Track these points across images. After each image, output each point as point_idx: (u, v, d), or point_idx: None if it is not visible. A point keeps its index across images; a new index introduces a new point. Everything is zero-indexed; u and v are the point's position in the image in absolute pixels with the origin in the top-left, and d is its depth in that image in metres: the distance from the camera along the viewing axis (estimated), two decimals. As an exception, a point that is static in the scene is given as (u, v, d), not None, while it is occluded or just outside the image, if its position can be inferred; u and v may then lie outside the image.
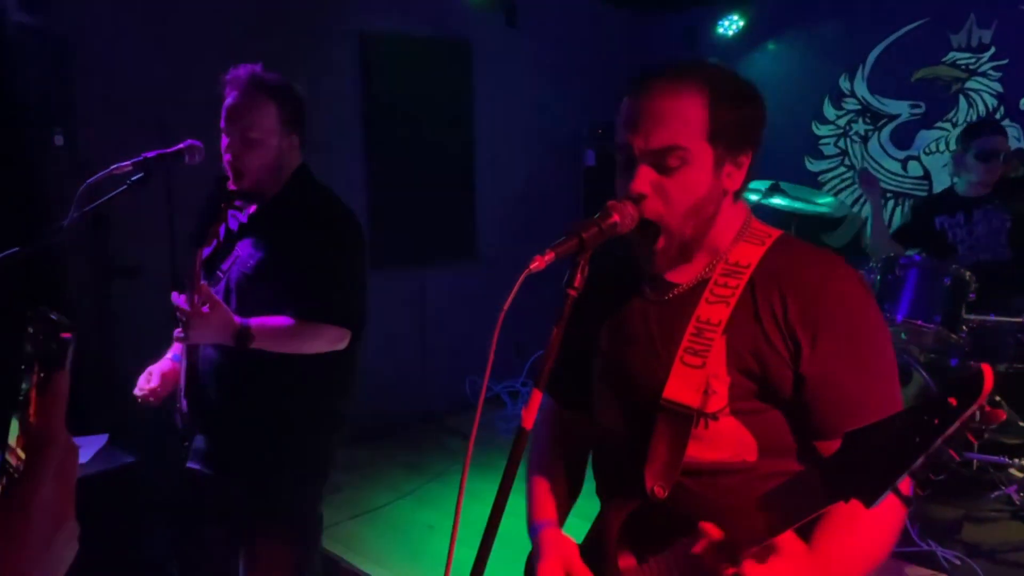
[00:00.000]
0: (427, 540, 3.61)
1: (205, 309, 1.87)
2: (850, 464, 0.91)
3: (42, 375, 0.69)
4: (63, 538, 0.70)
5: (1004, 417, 0.82)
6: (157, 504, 2.79)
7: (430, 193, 5.07)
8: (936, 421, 0.83)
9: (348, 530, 3.68)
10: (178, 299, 1.91)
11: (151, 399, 2.15)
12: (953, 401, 0.82)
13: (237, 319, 1.93)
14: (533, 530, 1.43)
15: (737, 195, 1.34)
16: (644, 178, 1.25)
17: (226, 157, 2.10)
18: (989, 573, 3.05)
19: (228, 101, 2.10)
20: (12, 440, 0.70)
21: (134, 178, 2.07)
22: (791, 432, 1.26)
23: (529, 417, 1.12)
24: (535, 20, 5.51)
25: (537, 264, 1.10)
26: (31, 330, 0.71)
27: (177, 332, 1.93)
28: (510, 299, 1.08)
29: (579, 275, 1.15)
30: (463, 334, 5.23)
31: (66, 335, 0.69)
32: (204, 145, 2.16)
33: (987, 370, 0.81)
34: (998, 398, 2.93)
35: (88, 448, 2.61)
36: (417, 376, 5.10)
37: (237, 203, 2.18)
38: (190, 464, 2.19)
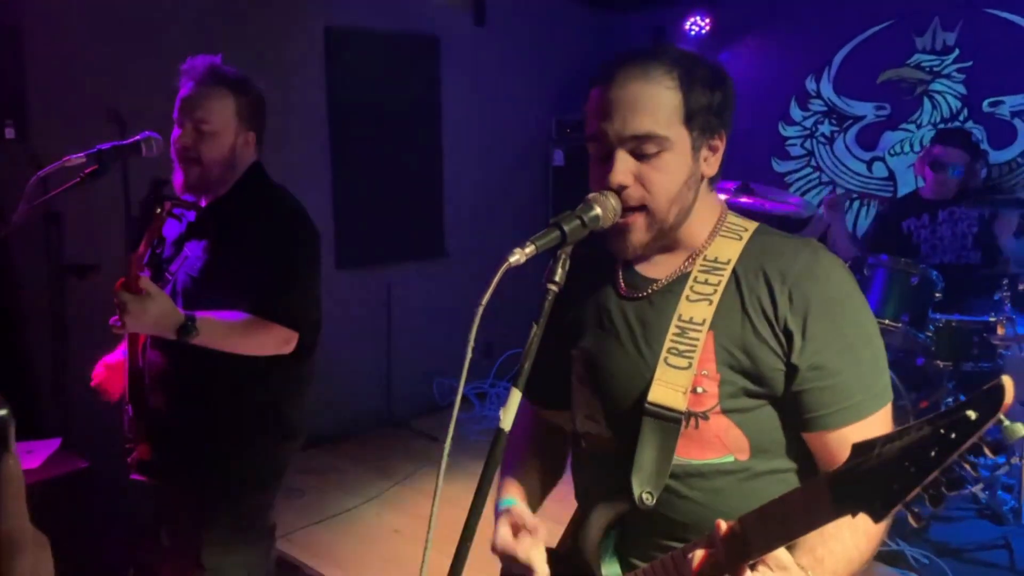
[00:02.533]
0: (394, 545, 3.54)
1: (142, 292, 1.77)
2: (860, 476, 0.87)
3: None
4: None
5: (1023, 434, 0.77)
6: (112, 509, 2.69)
7: (396, 191, 5.00)
8: (953, 435, 0.79)
9: (311, 535, 3.60)
10: (117, 285, 1.81)
11: (109, 388, 2.07)
12: (972, 414, 0.78)
13: (180, 310, 1.83)
14: (497, 511, 1.38)
15: (712, 181, 1.31)
16: (623, 166, 1.22)
17: (177, 147, 2.02)
18: (957, 572, 3.07)
19: (184, 91, 2.02)
20: None
21: (87, 171, 1.98)
22: (782, 428, 1.24)
23: (507, 417, 1.07)
24: (503, 18, 5.47)
25: (517, 258, 1.06)
26: None
27: (113, 320, 1.82)
28: (488, 294, 1.03)
29: (560, 269, 1.11)
30: (430, 334, 5.17)
31: (1, 412, 0.62)
32: (162, 137, 2.08)
33: (1007, 383, 0.77)
34: (963, 396, 2.94)
35: (40, 452, 2.51)
36: (383, 377, 5.02)
37: (176, 206, 2.09)
38: (133, 476, 2.10)
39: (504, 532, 1.29)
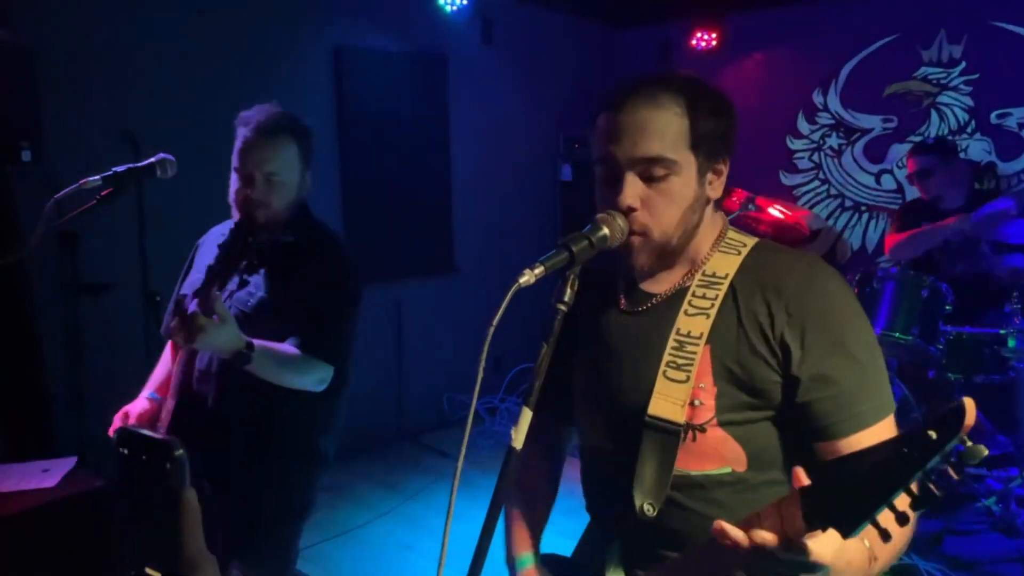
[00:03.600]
0: (404, 561, 3.55)
1: (215, 318, 1.80)
2: (829, 493, 0.91)
3: (170, 498, 0.71)
4: None
5: (986, 454, 0.79)
6: (128, 528, 2.71)
7: (406, 207, 5.03)
8: (915, 454, 0.81)
9: (323, 551, 3.61)
10: (192, 304, 1.85)
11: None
12: (933, 434, 0.80)
13: (243, 336, 1.87)
14: (511, 565, 1.45)
15: (717, 204, 1.35)
16: (632, 190, 1.25)
17: (246, 197, 2.02)
18: (971, 585, 3.06)
19: (246, 139, 2.02)
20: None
21: (103, 193, 2.01)
22: (779, 440, 1.25)
23: (519, 436, 1.09)
24: (511, 36, 5.51)
25: (527, 279, 1.08)
26: (132, 453, 0.72)
27: (186, 338, 1.83)
28: (499, 315, 1.05)
29: (569, 290, 1.14)
30: (440, 349, 5.19)
31: (178, 452, 0.71)
32: (176, 159, 2.12)
33: (969, 405, 0.79)
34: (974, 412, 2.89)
35: (56, 471, 2.52)
36: (393, 392, 5.04)
37: (224, 233, 2.13)
38: None
39: None
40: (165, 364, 2.33)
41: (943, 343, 3.59)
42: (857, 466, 0.87)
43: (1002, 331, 3.52)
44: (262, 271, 2.06)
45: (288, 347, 1.98)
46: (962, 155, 4.91)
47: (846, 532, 0.87)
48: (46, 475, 2.48)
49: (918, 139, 5.09)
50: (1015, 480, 3.53)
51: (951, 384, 3.75)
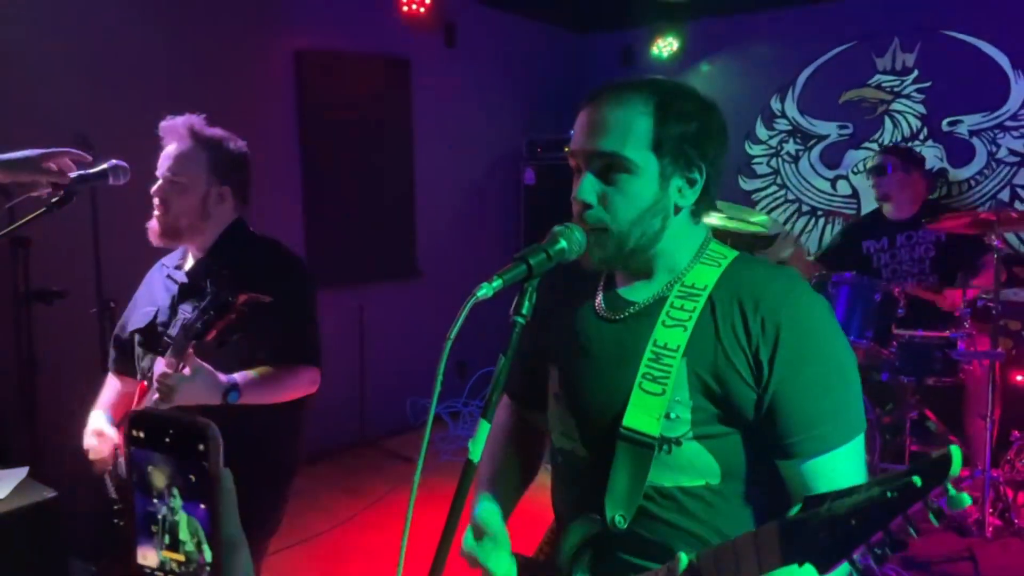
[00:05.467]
0: (367, 568, 3.53)
1: (186, 372, 1.79)
2: (809, 529, 0.91)
3: (205, 479, 0.71)
4: None
5: (969, 503, 0.81)
6: (80, 539, 2.66)
7: (368, 211, 5.01)
8: (898, 500, 0.82)
9: (284, 560, 3.56)
10: (159, 365, 1.82)
11: (106, 455, 2.10)
12: (918, 481, 0.81)
13: (222, 377, 1.86)
14: (472, 510, 1.44)
15: (695, 215, 1.33)
16: (589, 186, 1.26)
17: (155, 194, 2.09)
18: (923, 584, 3.12)
19: (164, 147, 2.10)
20: (185, 537, 0.73)
21: (53, 200, 1.98)
22: (753, 453, 1.25)
23: (476, 449, 1.09)
24: (474, 40, 5.52)
25: (484, 292, 1.08)
26: (151, 436, 0.73)
27: (155, 398, 1.83)
28: (456, 327, 1.05)
29: (527, 302, 1.14)
30: (403, 354, 5.17)
31: (213, 432, 0.72)
32: (133, 164, 2.09)
33: (956, 453, 0.80)
34: (927, 410, 2.97)
35: (7, 481, 2.47)
36: (355, 397, 5.01)
37: (168, 266, 2.19)
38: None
39: (469, 536, 1.37)
40: (113, 389, 2.30)
41: (896, 346, 3.67)
42: (838, 504, 0.88)
43: (952, 334, 3.62)
44: (200, 296, 2.04)
45: (266, 370, 1.99)
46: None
47: (824, 568, 0.88)
48: (-4, 486, 2.42)
49: (873, 145, 5.20)
50: (965, 480, 3.61)
51: (904, 386, 3.84)
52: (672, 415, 1.22)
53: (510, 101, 5.90)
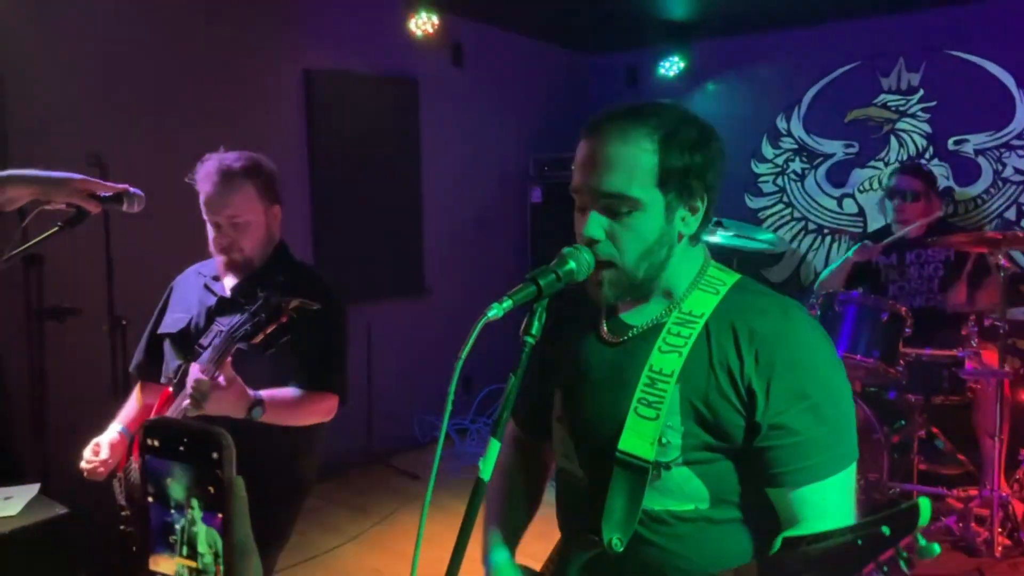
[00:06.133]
0: (374, 585, 3.53)
1: (221, 381, 1.81)
2: (785, 570, 0.93)
3: (219, 486, 0.73)
4: None
5: (938, 553, 0.82)
6: (91, 556, 2.67)
7: (376, 230, 5.04)
8: (867, 548, 0.84)
9: (292, 577, 3.57)
10: (195, 371, 1.84)
11: (100, 471, 2.10)
12: (886, 530, 0.83)
13: (251, 392, 1.89)
14: (486, 559, 1.46)
15: (694, 240, 1.35)
16: (596, 223, 1.27)
17: (219, 245, 2.14)
18: (932, 604, 3.10)
19: (206, 192, 2.12)
20: (204, 549, 0.74)
21: (67, 218, 2.01)
22: (739, 481, 1.26)
23: (487, 468, 1.10)
24: (481, 59, 5.57)
25: (494, 312, 1.10)
26: (165, 444, 0.74)
27: (185, 404, 1.85)
28: (466, 348, 1.07)
29: (536, 323, 1.16)
30: (410, 371, 5.19)
31: (227, 440, 0.73)
32: (145, 183, 2.12)
33: (925, 504, 0.81)
34: (935, 429, 2.95)
35: (19, 498, 2.49)
36: (363, 414, 5.02)
37: (205, 275, 2.24)
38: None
39: None
40: (136, 400, 2.32)
41: (903, 365, 3.67)
42: (813, 548, 0.90)
43: (959, 353, 3.61)
44: (239, 312, 2.06)
45: (292, 391, 2.04)
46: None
47: None
48: (8, 502, 2.44)
49: (879, 164, 5.22)
50: (974, 499, 3.60)
51: (911, 405, 3.83)
52: (664, 440, 1.23)
53: (517, 120, 5.94)
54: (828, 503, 1.19)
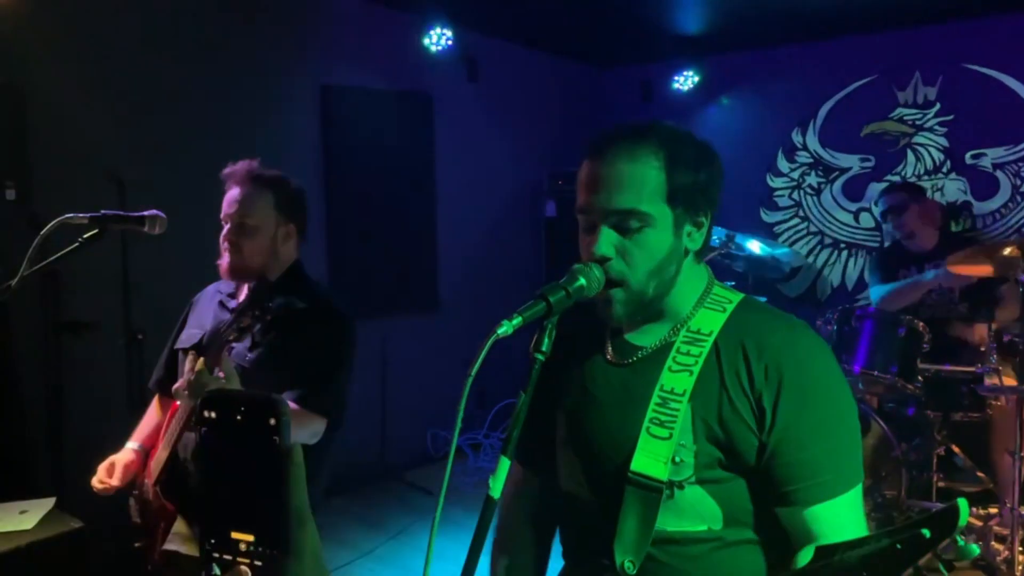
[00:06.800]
0: (387, 601, 3.52)
1: (220, 375, 1.85)
2: None
3: (276, 453, 0.74)
4: None
5: (977, 553, 0.82)
6: (105, 570, 2.68)
7: (391, 244, 5.06)
8: (907, 552, 0.83)
9: (305, 592, 3.57)
10: (190, 363, 1.88)
11: (110, 491, 2.12)
12: (926, 533, 0.82)
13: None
14: None
15: (699, 255, 1.35)
16: (607, 240, 1.27)
17: (224, 239, 2.16)
18: (952, 624, 3.05)
19: (228, 191, 2.17)
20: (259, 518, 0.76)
21: (88, 235, 2.03)
22: (753, 500, 1.25)
23: (497, 486, 1.10)
24: (495, 74, 5.59)
25: (504, 329, 1.10)
26: (223, 415, 0.76)
27: (179, 386, 1.92)
28: (476, 365, 1.06)
29: (547, 339, 1.15)
30: (424, 386, 5.18)
31: (283, 406, 0.74)
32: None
33: (963, 505, 0.81)
34: (954, 446, 2.91)
35: (34, 512, 2.50)
36: (377, 429, 5.02)
37: (223, 292, 2.26)
38: (168, 546, 2.12)
39: None
40: (152, 416, 2.34)
41: (921, 381, 3.63)
42: (849, 555, 0.88)
43: (978, 369, 3.57)
44: (259, 328, 2.10)
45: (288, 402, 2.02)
46: (937, 195, 5.02)
47: None
48: (24, 516, 2.45)
49: (895, 178, 5.19)
50: (994, 518, 3.55)
51: (930, 421, 3.79)
52: (677, 459, 1.23)
53: (531, 134, 5.96)
54: (844, 520, 1.18)
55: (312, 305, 2.20)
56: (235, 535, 0.77)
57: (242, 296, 2.23)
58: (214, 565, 0.78)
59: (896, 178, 5.18)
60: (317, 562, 0.79)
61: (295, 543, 0.75)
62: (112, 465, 2.15)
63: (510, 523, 1.54)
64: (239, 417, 0.75)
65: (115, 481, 2.12)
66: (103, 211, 2.03)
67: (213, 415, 0.76)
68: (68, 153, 3.42)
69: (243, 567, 0.77)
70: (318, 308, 2.21)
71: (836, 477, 1.19)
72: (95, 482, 2.13)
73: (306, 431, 2.05)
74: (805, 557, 0.94)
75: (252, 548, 0.76)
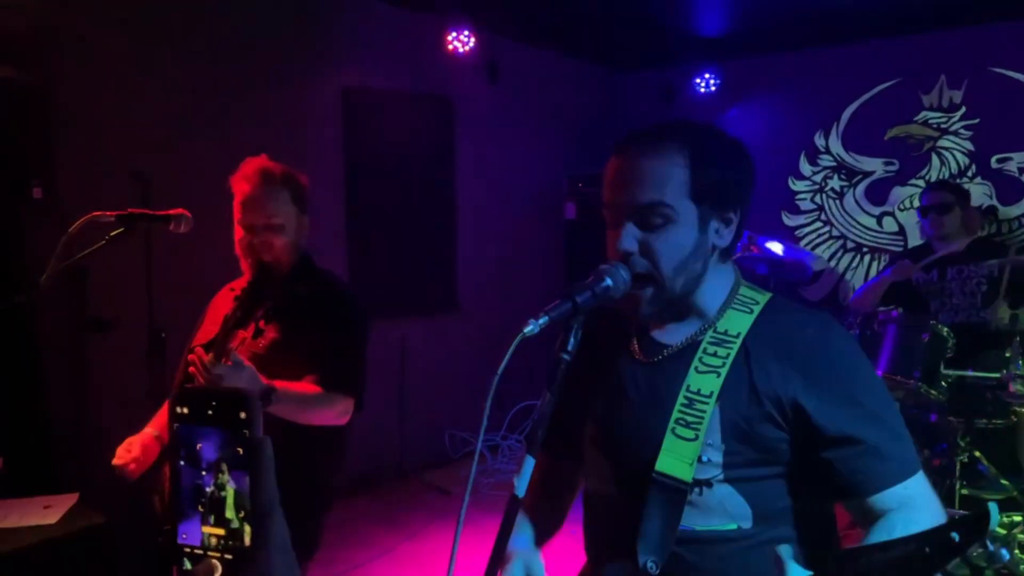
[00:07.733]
0: (405, 601, 3.52)
1: (230, 364, 1.87)
2: None
3: (246, 446, 0.74)
4: None
5: (1007, 560, 0.81)
6: (129, 565, 2.70)
7: (411, 246, 5.07)
8: (936, 555, 0.83)
9: (324, 591, 3.58)
10: (204, 354, 1.89)
11: (131, 468, 2.12)
12: (955, 536, 0.82)
13: (263, 379, 1.92)
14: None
15: (726, 253, 1.34)
16: (630, 235, 1.27)
17: (251, 243, 2.15)
18: (976, 633, 3.02)
19: (245, 194, 2.16)
20: (232, 514, 0.76)
21: (114, 232, 2.05)
22: (789, 497, 1.25)
23: (521, 485, 1.09)
24: (516, 77, 5.60)
25: (531, 328, 1.09)
26: (194, 410, 0.76)
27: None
28: (503, 365, 1.06)
29: (572, 339, 1.14)
30: (442, 387, 5.19)
31: (251, 400, 0.75)
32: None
33: (993, 510, 0.81)
34: (977, 453, 2.88)
35: (57, 507, 2.53)
36: (395, 430, 5.03)
37: (236, 289, 2.25)
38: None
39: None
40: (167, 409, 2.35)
41: (945, 386, 3.58)
42: (877, 558, 0.88)
43: (1003, 375, 3.52)
44: (274, 319, 2.13)
45: (308, 385, 2.05)
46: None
47: None
48: (47, 511, 2.48)
49: (919, 182, 5.14)
50: (1018, 526, 3.50)
51: (953, 428, 3.74)
52: (704, 458, 1.22)
53: (551, 137, 5.96)
54: (917, 495, 1.18)
55: (323, 289, 2.23)
56: (205, 529, 0.77)
57: None
58: (184, 559, 0.79)
59: (919, 182, 5.13)
60: (286, 554, 0.79)
61: (263, 535, 0.76)
62: (130, 443, 2.15)
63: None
64: (210, 412, 0.76)
65: (134, 453, 2.12)
66: (130, 209, 2.05)
67: (185, 411, 0.77)
68: (93, 152, 3.45)
69: (213, 560, 0.77)
70: (330, 292, 2.25)
71: (897, 464, 1.18)
72: (115, 460, 2.13)
73: (333, 411, 2.09)
74: (832, 562, 0.93)
75: (222, 542, 0.77)
